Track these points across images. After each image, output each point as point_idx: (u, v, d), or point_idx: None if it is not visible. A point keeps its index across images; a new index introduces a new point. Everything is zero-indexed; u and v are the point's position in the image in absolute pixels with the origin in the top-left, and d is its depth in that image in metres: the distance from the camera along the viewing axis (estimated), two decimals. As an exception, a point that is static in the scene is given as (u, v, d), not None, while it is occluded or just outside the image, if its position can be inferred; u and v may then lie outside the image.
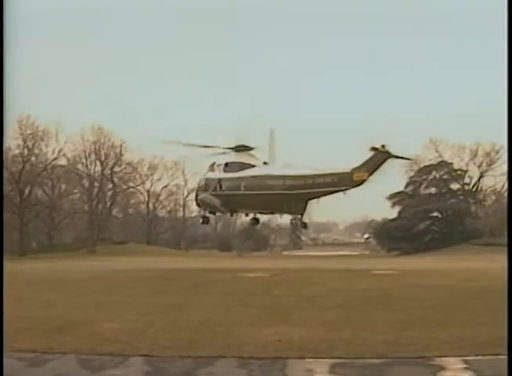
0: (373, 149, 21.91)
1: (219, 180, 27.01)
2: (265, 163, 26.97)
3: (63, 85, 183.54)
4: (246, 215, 27.82)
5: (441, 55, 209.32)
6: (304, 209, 24.96)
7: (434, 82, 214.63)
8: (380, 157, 20.95)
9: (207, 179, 28.41)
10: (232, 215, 30.45)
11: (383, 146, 21.48)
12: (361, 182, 21.77)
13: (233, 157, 27.42)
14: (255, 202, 25.81)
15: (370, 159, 21.62)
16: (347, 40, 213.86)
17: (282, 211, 26.48)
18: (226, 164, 27.32)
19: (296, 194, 23.96)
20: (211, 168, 28.20)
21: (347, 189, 22.40)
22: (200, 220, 29.82)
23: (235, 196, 27.00)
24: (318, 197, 23.87)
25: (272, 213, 28.15)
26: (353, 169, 21.61)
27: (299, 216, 26.86)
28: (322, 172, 23.40)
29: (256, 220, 27.44)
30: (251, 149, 27.51)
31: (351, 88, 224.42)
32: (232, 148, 26.81)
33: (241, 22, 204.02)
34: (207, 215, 29.87)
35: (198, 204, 29.07)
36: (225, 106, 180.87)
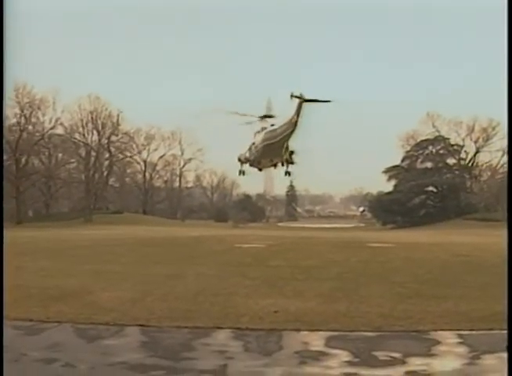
0: (295, 96, 25.95)
1: (253, 143, 31.76)
2: (272, 125, 30.84)
3: (61, 54, 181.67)
4: (274, 166, 32.52)
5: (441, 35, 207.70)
6: (285, 153, 29.46)
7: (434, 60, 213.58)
8: (300, 102, 24.82)
9: (250, 145, 33.18)
10: (261, 170, 35.57)
11: (300, 94, 25.39)
12: (295, 124, 26.51)
13: (261, 125, 31.99)
14: (261, 154, 31.03)
15: (297, 106, 25.64)
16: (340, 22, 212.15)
17: (275, 157, 30.92)
18: (258, 132, 31.76)
19: (276, 142, 28.74)
20: (254, 136, 32.88)
21: (293, 130, 27.02)
22: (237, 173, 35.79)
23: (252, 153, 32.17)
24: (287, 141, 28.47)
25: (273, 163, 32.53)
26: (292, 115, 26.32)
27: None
28: (283, 122, 28.07)
29: (288, 173, 31.67)
30: (273, 117, 31.74)
31: (349, 68, 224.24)
32: (260, 117, 31.38)
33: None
34: (243, 169, 35.62)
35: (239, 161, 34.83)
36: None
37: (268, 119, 31.35)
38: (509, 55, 9.19)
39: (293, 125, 27.28)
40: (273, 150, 30.08)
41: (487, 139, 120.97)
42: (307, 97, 26.43)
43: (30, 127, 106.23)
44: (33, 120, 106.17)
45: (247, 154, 33.71)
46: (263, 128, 31.38)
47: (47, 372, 9.83)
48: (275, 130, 29.76)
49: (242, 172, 36.17)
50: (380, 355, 10.58)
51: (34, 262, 25.27)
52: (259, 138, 31.74)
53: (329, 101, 26.64)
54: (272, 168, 33.21)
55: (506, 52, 9.22)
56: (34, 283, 18.57)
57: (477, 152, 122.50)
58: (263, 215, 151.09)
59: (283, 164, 31.48)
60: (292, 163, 30.76)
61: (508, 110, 9.44)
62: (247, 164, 34.47)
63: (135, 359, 10.35)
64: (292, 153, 30.10)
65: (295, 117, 26.69)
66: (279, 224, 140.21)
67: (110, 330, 12.41)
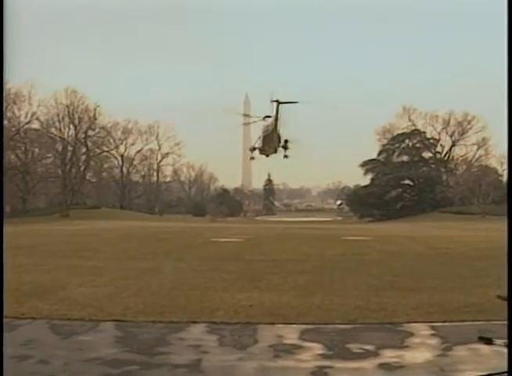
0: (274, 101, 28.32)
1: (259, 137, 34.94)
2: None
3: (37, 47, 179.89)
4: (275, 151, 35.51)
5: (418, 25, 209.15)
6: (279, 141, 32.20)
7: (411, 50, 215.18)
8: (277, 104, 27.11)
9: (257, 139, 36.20)
10: (268, 156, 39.10)
11: (277, 99, 27.20)
12: (277, 119, 28.27)
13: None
14: (263, 143, 33.99)
15: (276, 106, 27.88)
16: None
17: (273, 144, 34.05)
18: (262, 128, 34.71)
19: (270, 133, 31.31)
20: (262, 130, 35.55)
21: (276, 124, 28.74)
22: (249, 159, 38.66)
23: (258, 144, 35.18)
24: (276, 132, 30.82)
25: (274, 149, 35.44)
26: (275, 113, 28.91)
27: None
28: (272, 118, 30.36)
29: (286, 156, 34.36)
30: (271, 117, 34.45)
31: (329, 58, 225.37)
32: (263, 117, 34.00)
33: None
34: (253, 156, 38.59)
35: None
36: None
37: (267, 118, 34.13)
38: (509, 55, 9.33)
39: (275, 120, 30.28)
40: (270, 140, 34.01)
41: (462, 133, 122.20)
42: (281, 100, 28.67)
43: (6, 122, 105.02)
44: (8, 114, 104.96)
45: (256, 145, 36.68)
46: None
47: (21, 369, 9.78)
48: (268, 125, 32.62)
49: (252, 158, 39.09)
50: (354, 347, 10.67)
51: (9, 258, 25.01)
52: (262, 132, 34.58)
53: (296, 102, 29.18)
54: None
55: (506, 52, 9.38)
56: (10, 279, 18.40)
57: (452, 145, 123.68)
58: (241, 209, 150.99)
59: (276, 151, 34.45)
60: (287, 148, 33.78)
61: (508, 110, 9.61)
62: (256, 152, 37.47)
63: (109, 355, 10.34)
64: (286, 141, 33.01)
65: (276, 114, 29.69)
66: (257, 218, 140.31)
67: (85, 325, 12.38)
